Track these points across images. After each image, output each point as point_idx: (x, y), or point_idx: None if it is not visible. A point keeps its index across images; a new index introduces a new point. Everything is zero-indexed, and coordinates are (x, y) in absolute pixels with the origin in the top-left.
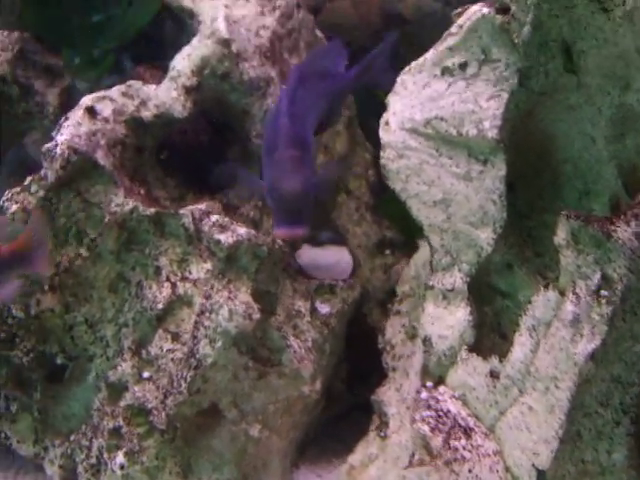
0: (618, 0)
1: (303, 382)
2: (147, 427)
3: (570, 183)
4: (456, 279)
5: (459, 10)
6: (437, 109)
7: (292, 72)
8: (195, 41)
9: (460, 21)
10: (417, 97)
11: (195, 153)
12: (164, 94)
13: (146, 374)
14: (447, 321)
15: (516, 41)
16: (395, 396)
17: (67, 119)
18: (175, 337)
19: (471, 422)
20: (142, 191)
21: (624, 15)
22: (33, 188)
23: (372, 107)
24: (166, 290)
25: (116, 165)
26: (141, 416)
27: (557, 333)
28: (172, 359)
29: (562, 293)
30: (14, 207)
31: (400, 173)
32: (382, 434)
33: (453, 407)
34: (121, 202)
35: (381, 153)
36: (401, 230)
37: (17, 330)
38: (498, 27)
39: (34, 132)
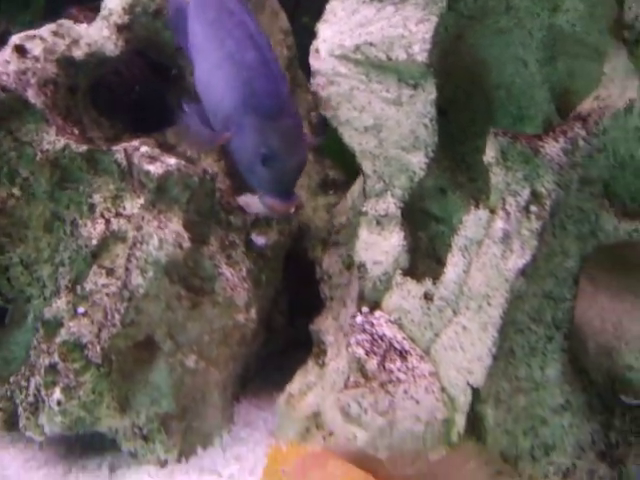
0: None
1: (237, 310)
2: (83, 362)
3: (504, 108)
4: (389, 205)
5: None
6: (366, 34)
7: None
8: None
9: None
10: (346, 23)
11: (131, 93)
12: (96, 33)
13: (81, 309)
14: (381, 247)
15: None
16: (333, 325)
17: None
18: (110, 272)
19: (406, 345)
20: (76, 131)
21: None
22: None
23: None
24: (100, 226)
25: (47, 104)
26: (76, 351)
27: (488, 251)
28: (107, 294)
29: (492, 211)
30: None
31: (331, 100)
32: (320, 362)
33: (388, 331)
34: (53, 140)
35: (311, 80)
36: (344, 169)
37: None
38: None
39: None
